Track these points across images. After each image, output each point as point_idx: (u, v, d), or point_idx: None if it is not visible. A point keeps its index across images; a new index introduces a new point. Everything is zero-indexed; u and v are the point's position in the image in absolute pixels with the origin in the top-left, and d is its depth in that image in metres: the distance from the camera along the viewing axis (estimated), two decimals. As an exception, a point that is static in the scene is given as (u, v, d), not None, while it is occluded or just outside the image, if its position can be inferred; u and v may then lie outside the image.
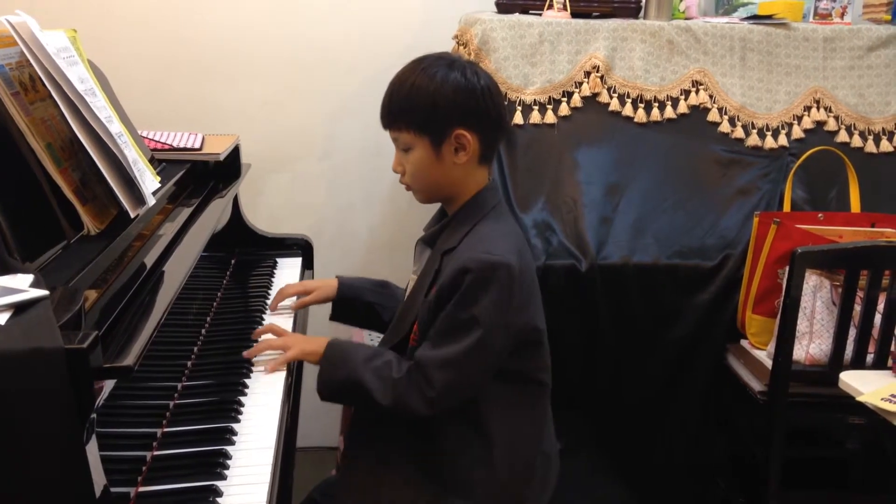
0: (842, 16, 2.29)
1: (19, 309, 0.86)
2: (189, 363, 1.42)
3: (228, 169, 1.94)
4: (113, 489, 0.90)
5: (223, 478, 1.12)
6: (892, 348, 1.68)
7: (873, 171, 2.09)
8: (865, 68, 2.15)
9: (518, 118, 2.06)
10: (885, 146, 2.13)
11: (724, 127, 2.11)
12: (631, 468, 1.81)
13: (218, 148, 1.88)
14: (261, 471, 1.14)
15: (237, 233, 2.01)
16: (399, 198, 2.50)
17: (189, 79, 2.37)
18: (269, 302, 1.71)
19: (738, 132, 2.11)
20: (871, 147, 2.13)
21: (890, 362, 1.61)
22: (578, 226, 1.96)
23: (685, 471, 2.06)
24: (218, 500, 1.07)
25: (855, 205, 1.99)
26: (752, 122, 2.11)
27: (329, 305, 1.68)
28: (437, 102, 1.29)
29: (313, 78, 2.43)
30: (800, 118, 2.13)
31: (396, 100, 1.33)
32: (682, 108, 2.10)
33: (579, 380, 1.95)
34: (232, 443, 1.20)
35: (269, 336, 1.48)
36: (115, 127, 1.30)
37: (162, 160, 1.70)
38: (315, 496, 1.52)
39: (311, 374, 1.44)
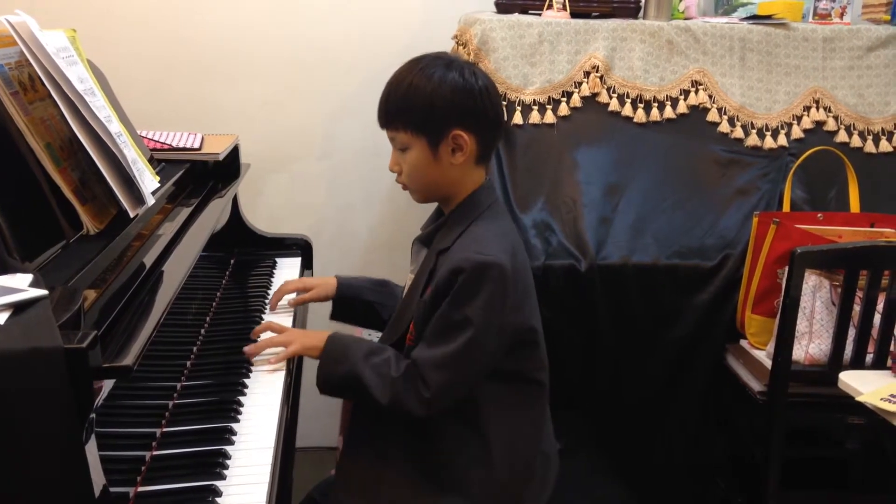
0: (841, 16, 2.29)
1: (18, 308, 0.86)
2: (188, 363, 1.42)
3: (228, 169, 1.94)
4: (112, 489, 0.90)
5: (222, 478, 1.11)
6: (892, 348, 1.68)
7: (872, 171, 2.09)
8: (865, 68, 2.15)
9: (517, 118, 2.06)
10: (885, 146, 2.13)
11: (724, 127, 2.11)
12: (630, 468, 1.81)
13: (217, 148, 1.88)
14: (260, 471, 1.14)
15: (236, 233, 2.01)
16: (398, 198, 2.49)
17: (188, 79, 2.38)
18: (268, 302, 1.71)
19: (738, 132, 2.11)
20: (870, 147, 2.13)
21: (889, 362, 1.61)
22: (578, 226, 1.96)
23: (685, 471, 2.06)
24: (217, 499, 1.07)
25: (854, 205, 1.99)
26: (752, 122, 2.12)
27: (329, 304, 1.68)
28: (434, 102, 1.29)
29: (313, 78, 2.43)
30: (799, 118, 2.13)
31: (394, 99, 1.33)
32: (682, 108, 2.10)
33: (579, 380, 1.95)
34: (231, 443, 1.20)
35: (268, 334, 1.48)
36: (115, 127, 1.30)
37: (161, 160, 1.70)
38: (314, 496, 1.53)
39: (310, 373, 1.44)
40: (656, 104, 2.10)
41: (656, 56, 2.11)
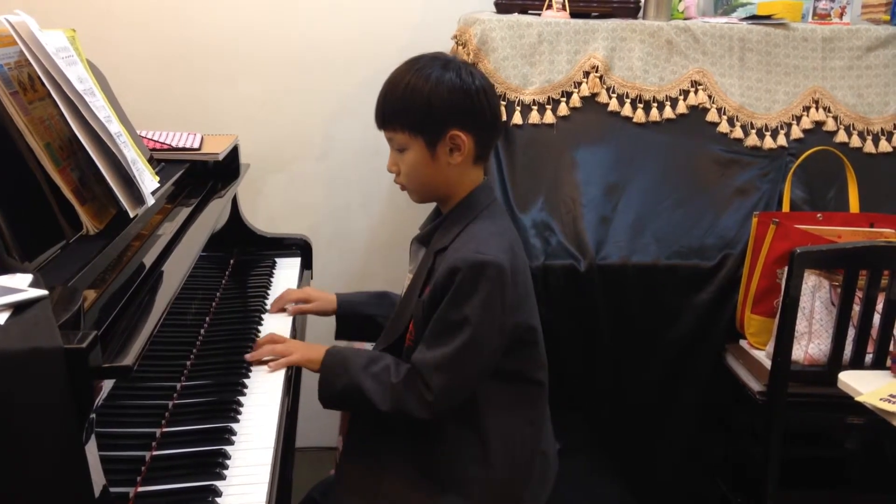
0: (840, 16, 2.29)
1: (18, 309, 0.86)
2: (188, 363, 1.42)
3: (227, 169, 1.94)
4: (112, 489, 0.90)
5: (222, 478, 1.12)
6: (891, 348, 1.68)
7: (872, 171, 2.09)
8: (864, 68, 2.15)
9: (517, 118, 2.06)
10: (884, 146, 2.13)
11: (723, 127, 2.11)
12: (630, 468, 1.81)
13: (217, 148, 1.88)
14: (260, 471, 1.14)
15: (236, 233, 2.01)
16: (397, 198, 2.49)
17: (188, 79, 2.37)
18: (268, 302, 1.71)
19: (737, 132, 2.11)
20: (869, 147, 2.13)
21: (888, 362, 1.61)
22: (577, 226, 1.96)
23: (684, 470, 2.06)
24: (217, 499, 1.07)
25: (854, 205, 1.99)
26: (751, 122, 2.12)
27: (331, 320, 1.68)
28: (431, 103, 1.29)
29: (312, 78, 2.43)
30: (799, 118, 2.13)
31: (391, 100, 1.33)
32: (681, 108, 2.11)
33: (578, 380, 1.95)
34: (231, 443, 1.20)
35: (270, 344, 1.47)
36: (114, 127, 1.30)
37: (161, 160, 1.71)
38: (314, 496, 1.53)
39: (309, 374, 1.45)
40: (656, 104, 2.11)
41: (656, 56, 2.11)
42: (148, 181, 1.38)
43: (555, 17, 2.12)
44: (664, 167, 2.06)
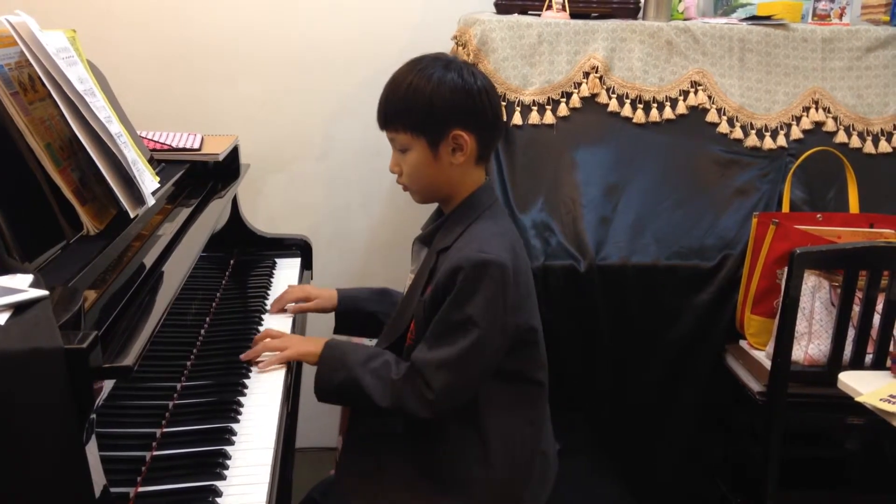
0: (840, 17, 2.29)
1: (19, 309, 0.86)
2: (188, 363, 1.42)
3: (227, 169, 1.94)
4: (112, 489, 0.90)
5: (223, 478, 1.12)
6: (891, 349, 1.68)
7: (872, 171, 2.09)
8: (864, 69, 2.15)
9: (517, 119, 2.06)
10: (884, 147, 2.13)
11: (723, 127, 2.11)
12: (630, 468, 1.81)
13: (217, 148, 1.88)
14: (260, 471, 1.14)
15: (236, 233, 2.01)
16: (397, 198, 2.49)
17: (188, 79, 2.38)
18: (268, 302, 1.71)
19: (737, 133, 2.11)
20: (869, 148, 2.13)
21: (888, 363, 1.61)
22: (577, 226, 1.96)
23: (684, 471, 2.06)
24: (217, 500, 1.07)
25: (853, 205, 2.00)
26: (751, 123, 2.12)
27: (331, 315, 1.68)
28: (434, 103, 1.29)
29: (312, 78, 2.43)
30: (798, 119, 2.13)
31: (393, 101, 1.33)
32: (681, 108, 2.11)
33: (578, 380, 1.95)
34: (231, 443, 1.20)
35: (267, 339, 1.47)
36: (115, 127, 1.30)
37: (161, 160, 1.71)
38: (314, 496, 1.53)
39: (310, 374, 1.44)
40: (656, 105, 2.11)
41: (656, 57, 2.12)
42: (148, 181, 1.38)
43: (555, 17, 2.12)
44: (664, 168, 2.06)
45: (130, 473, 1.09)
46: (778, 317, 1.76)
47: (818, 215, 1.93)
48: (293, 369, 1.47)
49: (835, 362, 1.74)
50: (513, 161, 2.03)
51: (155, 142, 1.83)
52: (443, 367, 1.26)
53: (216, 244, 1.76)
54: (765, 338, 1.87)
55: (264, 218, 2.35)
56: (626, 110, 2.09)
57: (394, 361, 1.32)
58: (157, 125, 2.01)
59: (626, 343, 1.95)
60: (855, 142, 2.12)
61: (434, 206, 1.49)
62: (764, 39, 2.13)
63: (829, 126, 2.13)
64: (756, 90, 2.14)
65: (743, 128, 2.11)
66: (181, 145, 1.86)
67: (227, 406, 1.29)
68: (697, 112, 2.12)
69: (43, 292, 0.90)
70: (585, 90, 2.09)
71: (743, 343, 1.93)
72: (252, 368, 1.42)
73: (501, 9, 2.21)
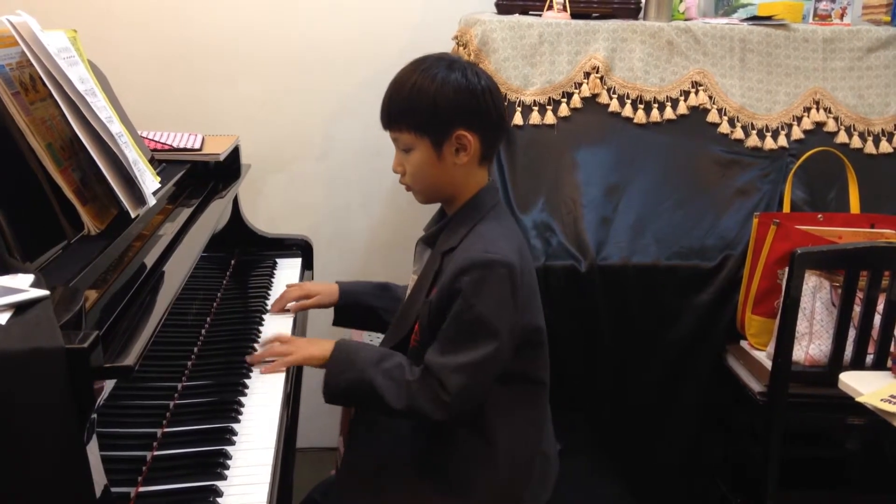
0: (841, 17, 2.29)
1: (20, 309, 0.86)
2: (189, 363, 1.42)
3: (228, 169, 1.94)
4: (113, 489, 0.90)
5: (223, 478, 1.12)
6: (892, 349, 1.68)
7: (873, 172, 2.09)
8: (865, 69, 2.15)
9: (518, 119, 2.06)
10: (885, 147, 2.13)
11: (724, 128, 2.11)
12: (631, 468, 1.81)
13: (218, 148, 1.88)
14: (261, 471, 1.14)
15: (237, 233, 2.01)
16: (398, 198, 2.50)
17: (189, 79, 2.38)
18: (268, 302, 1.71)
19: (738, 133, 2.11)
20: (870, 148, 2.13)
21: (889, 363, 1.61)
22: (578, 226, 1.96)
23: (685, 471, 2.06)
24: (218, 500, 1.07)
25: (854, 206, 1.99)
26: (752, 123, 2.12)
27: (330, 310, 1.68)
28: (437, 103, 1.29)
29: (313, 78, 2.43)
30: (799, 119, 2.13)
31: (397, 100, 1.33)
32: (682, 108, 2.11)
33: (579, 380, 1.95)
34: (232, 443, 1.20)
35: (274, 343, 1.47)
36: (116, 127, 1.30)
37: (162, 160, 1.71)
38: (315, 496, 1.53)
39: (310, 374, 1.45)
40: (656, 105, 2.11)
41: (656, 57, 2.12)
42: (149, 181, 1.38)
43: (555, 17, 2.12)
44: (665, 168, 2.06)
45: (131, 473, 1.09)
46: (779, 317, 1.76)
47: (819, 215, 1.93)
48: (293, 369, 1.47)
49: (835, 362, 1.74)
50: (513, 161, 2.03)
51: (156, 142, 1.83)
52: (459, 369, 1.25)
53: (217, 244, 1.76)
54: (765, 338, 1.87)
55: (265, 218, 2.35)
56: (627, 110, 2.09)
57: (407, 363, 1.31)
58: (158, 125, 2.01)
59: (627, 343, 1.95)
60: (856, 142, 2.12)
61: (436, 206, 1.48)
62: (765, 40, 2.13)
63: (830, 126, 2.13)
64: (757, 90, 2.13)
65: (744, 128, 2.11)
66: (182, 145, 1.86)
67: (227, 406, 1.29)
68: (698, 112, 2.12)
69: (44, 292, 0.90)
70: (586, 90, 2.09)
71: (743, 343, 1.93)
72: (253, 368, 1.42)
73: (502, 9, 2.21)
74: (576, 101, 2.09)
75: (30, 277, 0.94)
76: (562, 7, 2.14)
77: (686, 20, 2.21)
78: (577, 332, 1.93)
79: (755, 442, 1.88)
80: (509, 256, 1.27)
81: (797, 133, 2.11)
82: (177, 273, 1.25)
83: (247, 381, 1.38)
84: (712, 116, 2.11)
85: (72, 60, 1.27)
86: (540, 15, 2.16)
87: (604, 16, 2.19)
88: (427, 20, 2.41)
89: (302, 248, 2.07)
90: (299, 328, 1.69)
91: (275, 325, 1.62)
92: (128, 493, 1.05)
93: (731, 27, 2.13)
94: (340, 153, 2.50)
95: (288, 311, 1.68)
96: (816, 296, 1.77)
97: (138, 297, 1.12)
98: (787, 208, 2.00)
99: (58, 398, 0.81)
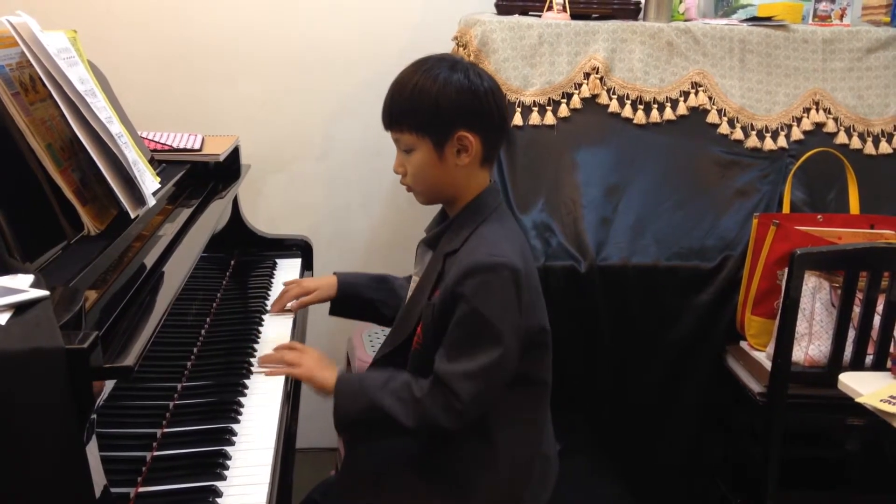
0: (841, 18, 2.29)
1: (20, 309, 0.86)
2: (189, 364, 1.42)
3: (228, 170, 1.94)
4: (113, 489, 0.90)
5: (223, 478, 1.12)
6: (891, 350, 1.68)
7: (872, 172, 2.09)
8: (864, 70, 2.15)
9: (517, 119, 2.06)
10: (885, 148, 2.13)
11: (724, 128, 2.11)
12: (631, 468, 1.81)
13: (218, 149, 1.88)
14: (260, 471, 1.14)
15: (237, 234, 2.01)
16: (398, 198, 2.50)
17: (188, 79, 2.38)
18: (268, 303, 1.71)
19: (738, 134, 2.11)
20: (870, 149, 2.13)
21: (889, 364, 1.61)
22: (578, 227, 1.96)
23: (684, 471, 2.06)
24: (218, 500, 1.07)
25: (854, 206, 2.00)
26: (752, 124, 2.12)
27: (332, 319, 1.67)
28: (439, 104, 1.29)
29: (312, 78, 2.43)
30: (799, 120, 2.13)
31: (398, 101, 1.32)
32: (682, 109, 2.11)
33: (579, 380, 1.95)
34: (232, 443, 1.20)
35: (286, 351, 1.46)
36: (116, 127, 1.30)
37: (162, 161, 1.71)
38: (315, 496, 1.52)
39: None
40: (656, 106, 2.11)
41: (656, 58, 2.12)
42: (149, 182, 1.38)
43: (555, 18, 2.12)
44: (664, 168, 2.06)
45: (131, 474, 1.09)
46: (778, 318, 1.76)
47: (819, 216, 1.93)
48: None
49: (835, 363, 1.74)
50: (513, 162, 2.03)
51: (155, 142, 1.83)
52: (469, 376, 1.24)
53: (217, 245, 1.76)
54: (765, 339, 1.87)
55: (265, 218, 2.35)
56: (627, 111, 2.10)
57: (412, 379, 1.29)
58: (158, 125, 2.01)
59: (627, 343, 1.95)
60: (855, 143, 2.12)
61: (437, 207, 1.48)
62: (764, 40, 2.13)
63: (830, 127, 2.13)
64: (757, 91, 2.14)
65: (743, 129, 2.11)
66: (182, 146, 1.86)
67: (227, 406, 1.29)
68: (698, 113, 2.12)
69: (44, 292, 0.90)
70: (586, 91, 2.09)
71: (743, 344, 1.93)
72: (253, 369, 1.42)
73: (502, 9, 2.21)
74: (575, 102, 2.09)
75: (30, 278, 0.94)
76: (561, 8, 2.14)
77: (686, 21, 2.21)
78: (577, 333, 1.93)
79: (755, 442, 1.88)
80: (513, 259, 1.26)
81: (797, 134, 2.11)
82: (177, 273, 1.25)
83: (246, 381, 1.38)
84: (712, 117, 2.11)
85: (72, 61, 1.27)
86: (540, 15, 2.16)
87: (603, 16, 2.19)
88: (427, 20, 2.41)
89: (302, 249, 2.07)
90: (299, 328, 1.69)
91: (275, 326, 1.62)
92: (127, 494, 1.05)
93: (730, 28, 2.13)
94: (340, 153, 2.50)
95: (289, 310, 1.68)
96: (816, 296, 1.77)
97: (138, 297, 1.12)
98: (786, 209, 2.00)
99: (58, 398, 0.81)
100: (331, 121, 2.47)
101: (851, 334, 1.74)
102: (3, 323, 0.83)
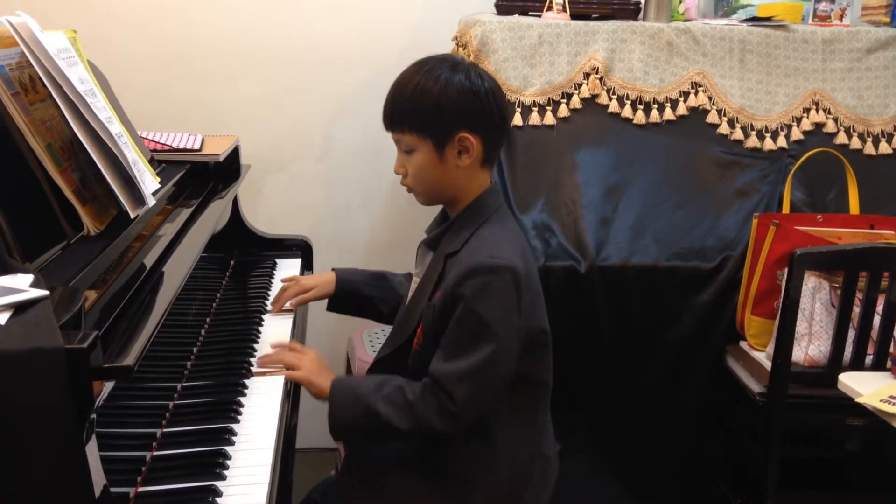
0: (841, 18, 2.29)
1: (19, 309, 0.86)
2: (189, 363, 1.42)
3: (228, 170, 1.94)
4: (112, 489, 0.90)
5: (223, 478, 1.12)
6: (891, 350, 1.68)
7: (872, 172, 2.09)
8: (864, 70, 2.15)
9: (517, 119, 2.06)
10: (884, 148, 2.13)
11: (724, 128, 2.11)
12: (630, 468, 1.81)
13: (218, 149, 1.88)
14: (260, 471, 1.14)
15: (237, 234, 2.01)
16: (398, 198, 2.50)
17: (188, 79, 2.38)
18: (268, 303, 1.71)
19: (738, 134, 2.11)
20: (869, 149, 2.13)
21: (888, 364, 1.61)
22: (578, 227, 1.96)
23: (684, 471, 2.06)
24: (217, 500, 1.07)
25: (854, 206, 2.00)
26: (752, 124, 2.12)
27: (332, 317, 1.67)
28: (441, 105, 1.29)
29: (312, 78, 2.43)
30: (799, 120, 2.13)
31: (399, 101, 1.32)
32: (682, 109, 2.11)
33: (579, 381, 1.95)
34: (231, 443, 1.20)
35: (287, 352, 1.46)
36: (115, 127, 1.30)
37: (161, 161, 1.71)
38: (315, 497, 1.52)
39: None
40: (656, 106, 2.11)
41: (656, 58, 2.12)
42: (149, 182, 1.38)
43: (555, 18, 2.12)
44: (664, 169, 2.06)
45: (130, 473, 1.09)
46: (778, 318, 1.76)
47: (818, 216, 1.93)
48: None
49: (835, 363, 1.74)
50: (513, 162, 2.03)
51: (155, 142, 1.83)
52: (464, 378, 1.24)
53: (217, 245, 1.76)
54: (765, 339, 1.87)
55: (264, 218, 2.35)
56: (627, 111, 2.10)
57: (406, 383, 1.29)
58: (158, 125, 2.01)
59: (627, 344, 1.95)
60: (855, 143, 2.12)
61: (438, 208, 1.48)
62: (764, 41, 2.13)
63: (830, 127, 2.13)
64: (756, 91, 2.14)
65: (743, 129, 2.11)
66: (182, 146, 1.86)
67: (227, 406, 1.29)
68: (698, 113, 2.12)
69: (43, 292, 0.90)
70: (586, 91, 2.09)
71: (743, 344, 1.93)
72: (253, 369, 1.42)
73: (502, 10, 2.21)
74: (575, 102, 2.09)
75: (29, 278, 0.94)
76: (561, 8, 2.14)
77: (686, 21, 2.21)
78: (577, 333, 1.93)
79: (755, 442, 1.88)
80: (513, 261, 1.26)
81: (796, 134, 2.11)
82: (176, 273, 1.25)
83: (246, 381, 1.38)
84: (712, 117, 2.11)
85: (71, 61, 1.27)
86: (539, 16, 2.16)
87: (603, 16, 2.19)
88: (427, 20, 2.41)
89: (302, 249, 2.07)
90: (299, 327, 1.69)
91: (274, 326, 1.62)
92: (127, 494, 1.05)
93: (730, 28, 2.13)
94: (340, 153, 2.50)
95: (288, 310, 1.67)
96: (816, 296, 1.77)
97: (138, 297, 1.12)
98: (786, 209, 2.00)
99: (57, 398, 0.81)
100: (331, 121, 2.47)
101: (851, 334, 1.74)
102: (3, 323, 0.83)
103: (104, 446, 0.89)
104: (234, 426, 1.24)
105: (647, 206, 2.01)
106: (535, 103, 2.08)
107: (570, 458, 1.55)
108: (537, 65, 2.09)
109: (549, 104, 2.08)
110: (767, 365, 1.78)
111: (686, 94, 2.12)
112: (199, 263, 1.41)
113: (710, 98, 2.12)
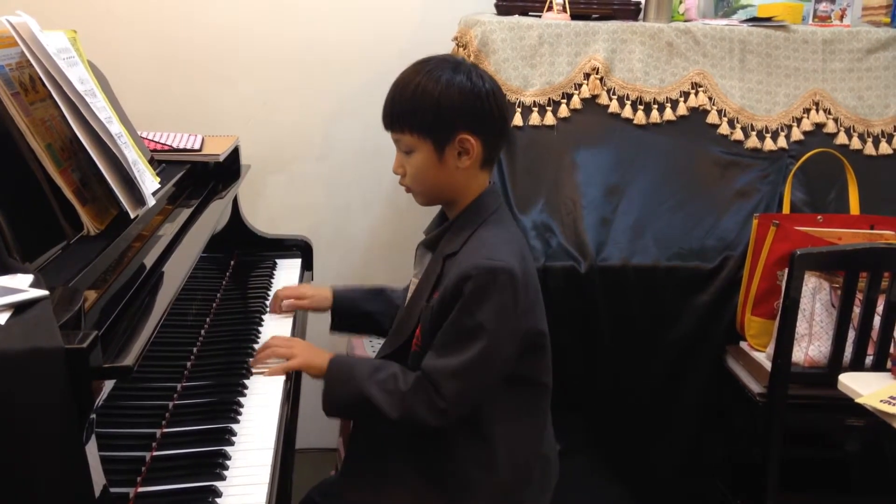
0: (841, 18, 2.29)
1: (19, 309, 0.86)
2: (188, 364, 1.42)
3: (228, 170, 1.94)
4: (112, 489, 0.90)
5: (222, 478, 1.11)
6: (891, 350, 1.68)
7: (872, 173, 2.09)
8: (864, 70, 2.15)
9: (517, 120, 2.06)
10: (885, 148, 2.13)
11: (724, 129, 2.11)
12: (630, 469, 1.81)
13: (218, 149, 1.88)
14: (260, 471, 1.14)
15: (236, 234, 2.01)
16: (398, 199, 2.50)
17: (189, 79, 2.38)
18: (268, 303, 1.71)
19: (738, 134, 2.11)
20: (870, 149, 2.13)
21: (889, 364, 1.61)
22: (578, 227, 1.96)
23: (684, 472, 2.06)
24: (217, 500, 1.07)
25: (854, 207, 2.00)
26: (752, 124, 2.12)
27: (328, 315, 1.67)
28: (441, 105, 1.28)
29: (312, 78, 2.43)
30: (799, 120, 2.13)
31: (400, 102, 1.32)
32: (682, 109, 2.11)
33: (579, 381, 1.95)
34: (231, 443, 1.20)
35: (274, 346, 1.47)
36: (115, 127, 1.30)
37: (162, 161, 1.70)
38: (315, 497, 1.52)
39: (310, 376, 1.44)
40: (656, 106, 2.11)
41: (656, 58, 2.12)
42: (149, 182, 1.38)
43: (555, 18, 2.12)
44: (664, 169, 2.07)
45: (130, 474, 1.09)
46: (778, 318, 1.76)
47: (819, 217, 1.93)
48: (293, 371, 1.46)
49: (835, 364, 1.74)
50: (513, 162, 2.03)
51: (155, 142, 1.83)
52: (454, 375, 1.25)
53: (217, 245, 1.75)
54: (765, 339, 1.87)
55: (264, 218, 2.35)
56: (627, 111, 2.10)
57: (400, 372, 1.31)
58: (158, 125, 2.01)
59: (627, 344, 1.95)
60: (855, 143, 2.13)
61: (437, 208, 1.47)
62: (765, 41, 2.13)
63: (830, 127, 2.13)
64: (757, 92, 2.14)
65: (743, 129, 2.11)
66: (182, 146, 1.86)
67: (227, 406, 1.29)
68: (698, 113, 2.12)
69: (43, 292, 0.90)
70: (586, 91, 2.09)
71: (743, 344, 1.93)
72: (253, 370, 1.42)
73: (502, 10, 2.21)
74: (575, 102, 2.09)
75: (29, 278, 0.94)
76: (561, 8, 2.14)
77: (686, 21, 2.21)
78: (577, 333, 1.93)
79: (755, 442, 1.88)
80: (512, 263, 1.26)
81: (797, 134, 2.11)
82: (176, 273, 1.25)
83: (246, 381, 1.38)
84: (712, 118, 2.11)
85: (71, 61, 1.27)
86: (539, 16, 2.16)
87: (603, 17, 2.19)
88: (427, 21, 2.41)
89: (302, 249, 2.07)
90: (299, 329, 1.69)
91: (274, 326, 1.62)
92: (127, 494, 1.05)
93: (730, 28, 2.13)
94: (340, 153, 2.50)
95: (286, 310, 1.67)
96: (816, 297, 1.77)
97: (138, 297, 1.11)
98: (786, 209, 2.00)
99: (57, 398, 0.81)
100: (331, 121, 2.47)
101: (851, 335, 1.74)
102: (3, 323, 0.83)
103: (104, 446, 0.89)
104: (234, 426, 1.24)
105: (648, 207, 2.01)
106: (535, 103, 2.08)
107: (570, 458, 1.55)
108: (537, 65, 2.09)
109: (549, 104, 2.09)
110: (767, 365, 1.78)
111: (686, 95, 2.12)
112: (199, 263, 1.41)
113: (710, 98, 2.12)
